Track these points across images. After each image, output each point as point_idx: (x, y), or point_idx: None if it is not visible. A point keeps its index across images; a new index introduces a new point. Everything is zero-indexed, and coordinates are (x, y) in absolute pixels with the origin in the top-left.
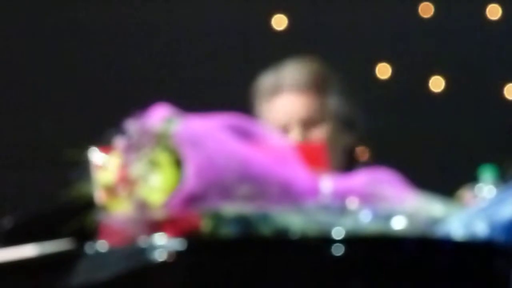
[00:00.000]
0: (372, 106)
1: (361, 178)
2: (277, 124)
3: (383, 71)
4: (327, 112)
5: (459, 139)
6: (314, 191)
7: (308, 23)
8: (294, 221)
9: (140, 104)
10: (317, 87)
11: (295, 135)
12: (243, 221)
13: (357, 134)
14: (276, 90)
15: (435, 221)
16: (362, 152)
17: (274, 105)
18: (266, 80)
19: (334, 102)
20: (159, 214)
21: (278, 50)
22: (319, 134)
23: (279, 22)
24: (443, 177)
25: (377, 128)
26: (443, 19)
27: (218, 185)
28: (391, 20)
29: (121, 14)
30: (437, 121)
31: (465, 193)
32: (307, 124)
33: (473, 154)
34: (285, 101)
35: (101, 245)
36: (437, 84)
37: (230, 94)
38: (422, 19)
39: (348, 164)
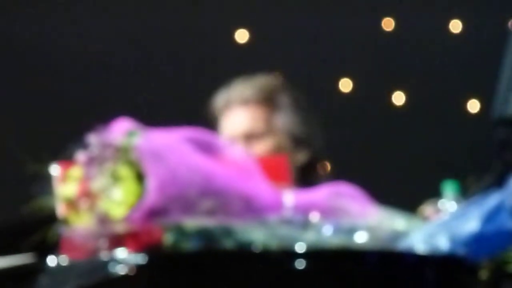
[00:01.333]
0: (333, 120)
1: (323, 192)
2: (230, 138)
3: (345, 85)
4: (275, 127)
5: (421, 154)
6: (277, 205)
7: (271, 37)
8: (257, 235)
9: (101, 117)
10: (264, 101)
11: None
12: (206, 235)
13: (313, 151)
14: (226, 105)
15: (397, 235)
16: (321, 167)
17: (224, 120)
18: (219, 96)
19: (283, 117)
20: (120, 228)
21: (240, 63)
22: (263, 148)
23: (242, 36)
24: (405, 191)
25: (338, 142)
26: (405, 33)
27: (180, 199)
28: (353, 34)
29: (81, 23)
30: (399, 135)
31: (427, 208)
32: (250, 137)
33: (436, 169)
34: (232, 115)
35: (63, 259)
36: (399, 98)
37: (193, 108)
38: (384, 33)
39: (302, 181)
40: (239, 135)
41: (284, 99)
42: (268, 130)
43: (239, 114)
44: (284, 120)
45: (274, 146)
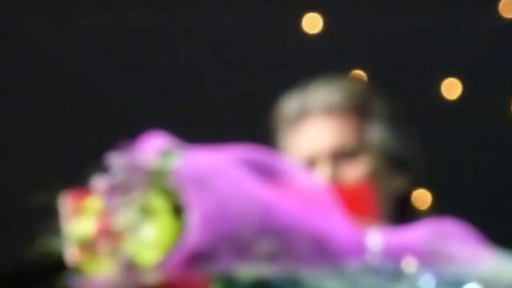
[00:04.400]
0: (436, 134)
1: (421, 232)
2: (302, 157)
3: (451, 89)
4: (368, 143)
5: None
6: (358, 249)
7: (349, 26)
8: (332, 287)
9: (128, 132)
10: (355, 111)
11: (323, 171)
12: (264, 286)
13: (411, 175)
14: (302, 115)
15: None
16: (420, 198)
17: (299, 134)
18: (291, 103)
19: (377, 132)
20: (152, 277)
21: (311, 60)
22: (357, 170)
23: (313, 23)
24: None
25: (442, 165)
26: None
27: (232, 240)
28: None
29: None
30: None
31: None
32: (340, 157)
33: None
34: (313, 127)
35: None
36: None
37: (249, 118)
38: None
39: (399, 213)
40: (323, 153)
41: (378, 108)
42: (361, 147)
43: (322, 125)
44: (380, 134)
45: (369, 168)
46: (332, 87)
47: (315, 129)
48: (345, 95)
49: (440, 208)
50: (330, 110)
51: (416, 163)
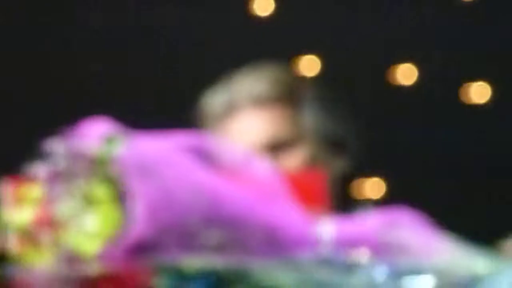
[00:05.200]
0: (387, 121)
1: (374, 222)
2: (245, 147)
3: (407, 74)
4: (303, 130)
5: (507, 164)
6: (310, 239)
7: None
8: (284, 279)
9: (69, 118)
10: (285, 99)
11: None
12: (212, 279)
13: (350, 159)
14: (229, 108)
15: (476, 280)
16: (374, 187)
17: (228, 130)
18: (216, 97)
19: (312, 118)
20: (95, 268)
21: (263, 43)
22: (295, 160)
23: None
24: (488, 220)
25: (395, 151)
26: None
27: (178, 230)
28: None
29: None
30: (479, 137)
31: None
32: (276, 148)
33: None
34: (243, 121)
35: None
36: (479, 92)
37: (191, 105)
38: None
39: (340, 199)
40: (258, 146)
41: (309, 94)
42: (296, 136)
43: (253, 118)
44: (314, 121)
45: (307, 156)
46: (258, 77)
47: (246, 124)
48: (273, 84)
49: (394, 198)
50: (259, 101)
51: (354, 147)
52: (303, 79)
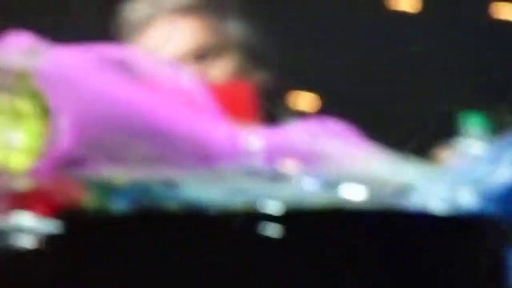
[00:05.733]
0: (313, 31)
1: (301, 131)
2: (167, 57)
3: None
4: (227, 40)
5: (434, 72)
6: (237, 150)
7: None
8: (211, 191)
9: None
10: (210, 8)
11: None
12: (140, 192)
13: (272, 70)
14: (152, 17)
15: (404, 189)
16: (305, 101)
17: (150, 39)
18: (138, 5)
19: (235, 26)
20: (22, 184)
21: None
22: (221, 69)
23: None
24: (414, 127)
25: (321, 61)
26: None
27: (104, 143)
28: None
29: None
30: (404, 45)
31: (444, 151)
32: (200, 57)
33: (454, 95)
34: (165, 30)
35: None
36: None
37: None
38: None
39: (267, 113)
40: (183, 56)
41: (232, 4)
42: (220, 46)
43: (175, 27)
44: (237, 29)
45: (231, 66)
46: None
47: (169, 31)
48: None
49: (326, 111)
50: (182, 10)
51: (276, 57)
52: None
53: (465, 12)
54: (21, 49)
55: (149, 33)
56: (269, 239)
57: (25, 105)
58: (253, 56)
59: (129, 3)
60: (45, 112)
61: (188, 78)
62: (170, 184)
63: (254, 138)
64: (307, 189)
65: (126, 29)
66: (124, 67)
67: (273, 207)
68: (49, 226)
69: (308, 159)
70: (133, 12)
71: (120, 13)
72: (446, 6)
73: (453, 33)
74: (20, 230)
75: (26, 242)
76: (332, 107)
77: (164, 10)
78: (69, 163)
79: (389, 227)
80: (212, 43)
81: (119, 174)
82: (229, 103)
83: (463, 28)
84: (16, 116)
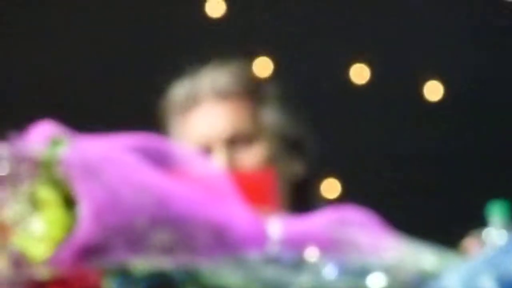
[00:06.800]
0: (339, 120)
1: (322, 220)
2: (195, 145)
3: (360, 73)
4: (263, 127)
5: (463, 163)
6: (258, 238)
7: (251, 9)
8: (232, 279)
9: (13, 122)
10: (247, 94)
11: (219, 158)
12: (161, 280)
13: (308, 160)
14: (192, 100)
15: (426, 277)
16: (329, 187)
17: (190, 120)
18: (180, 89)
19: (272, 116)
20: (43, 272)
21: (212, 45)
22: (253, 156)
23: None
24: (437, 217)
25: (347, 150)
26: None
27: (126, 231)
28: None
29: None
30: (433, 136)
31: (467, 240)
32: (235, 143)
33: (480, 185)
34: (205, 114)
35: None
36: (433, 89)
37: (141, 104)
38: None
39: (298, 200)
40: (218, 140)
41: (271, 91)
42: (256, 132)
43: (214, 111)
44: (274, 118)
45: (266, 153)
46: (222, 72)
47: (207, 116)
48: (236, 80)
49: (350, 198)
50: (222, 95)
51: (312, 147)
52: (263, 79)
53: None
54: (44, 138)
55: (191, 116)
56: None
57: (47, 194)
58: (286, 145)
59: (174, 86)
60: (67, 201)
61: (211, 167)
62: (190, 273)
63: (276, 226)
64: (328, 277)
65: (170, 111)
66: (148, 156)
67: None
68: None
69: (328, 246)
70: (176, 94)
71: (166, 96)
72: None
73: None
74: None
75: None
76: (354, 195)
77: (204, 94)
78: (89, 251)
79: None
80: (247, 129)
81: (139, 262)
82: (253, 190)
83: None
84: (38, 204)
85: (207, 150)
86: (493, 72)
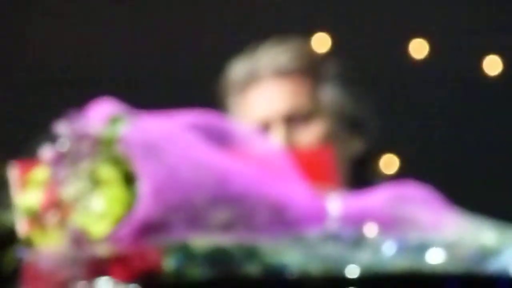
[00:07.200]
0: (401, 98)
1: (382, 197)
2: (255, 123)
3: (418, 49)
4: (322, 105)
5: None
6: (318, 215)
7: None
8: (291, 256)
9: (74, 98)
10: (306, 73)
11: (278, 136)
12: (221, 257)
13: (367, 138)
14: (251, 78)
15: (487, 254)
16: (387, 163)
17: (249, 98)
18: (240, 67)
19: (331, 94)
20: (103, 249)
21: (265, 22)
22: (312, 134)
23: None
24: (497, 193)
25: (407, 129)
26: None
27: (185, 209)
28: None
29: None
30: (491, 117)
31: None
32: (295, 120)
33: None
34: (264, 91)
35: None
36: (493, 65)
37: (200, 82)
38: None
39: (358, 177)
40: (276, 117)
41: (331, 69)
42: (315, 110)
43: (274, 89)
44: (334, 96)
45: (324, 131)
46: (282, 50)
47: (266, 93)
48: (296, 57)
49: (407, 174)
50: (281, 73)
51: (371, 125)
52: (323, 55)
53: None
54: (104, 116)
55: (250, 93)
56: None
57: (107, 172)
58: (345, 124)
59: (233, 64)
60: (128, 178)
61: (271, 144)
62: (249, 250)
63: (335, 203)
64: (387, 254)
65: (229, 89)
66: (208, 134)
67: (353, 271)
68: None
69: (388, 223)
70: (235, 72)
71: (225, 74)
72: None
73: None
74: None
75: None
76: (414, 170)
77: (264, 72)
78: (149, 228)
79: None
80: (306, 107)
81: (199, 240)
82: (312, 168)
83: None
84: (98, 182)
85: (266, 128)
86: None
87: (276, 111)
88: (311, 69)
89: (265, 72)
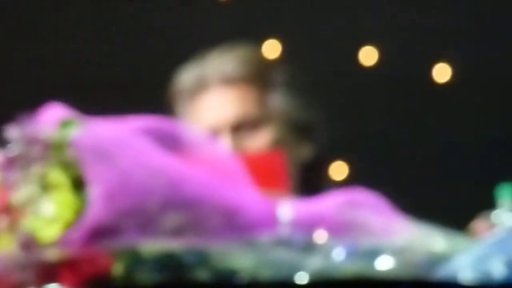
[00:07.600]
0: (349, 104)
1: (332, 202)
2: (203, 130)
3: (368, 56)
4: (270, 112)
5: (468, 148)
6: (269, 221)
7: None
8: (242, 261)
9: (25, 105)
10: (255, 79)
11: (226, 143)
12: (171, 262)
13: (319, 144)
14: (199, 86)
15: (436, 259)
16: (336, 170)
17: (197, 105)
18: (187, 74)
19: (280, 100)
20: (53, 254)
21: (218, 29)
22: (260, 141)
23: None
24: (447, 200)
25: (356, 134)
26: None
27: (137, 213)
28: None
29: None
30: (440, 123)
31: (477, 222)
32: (243, 127)
33: (489, 168)
34: (212, 98)
35: None
36: (442, 72)
37: (152, 88)
38: None
39: (307, 183)
40: (224, 125)
41: (279, 76)
42: (263, 117)
43: (221, 96)
44: (282, 102)
45: (272, 137)
46: (229, 57)
47: (214, 101)
48: (243, 65)
49: (357, 180)
50: (229, 81)
51: (321, 131)
52: (272, 62)
53: None
54: (55, 120)
55: (198, 101)
56: None
57: (57, 176)
58: (293, 129)
59: (181, 72)
60: (78, 183)
61: (222, 149)
62: (201, 255)
63: (286, 208)
64: (338, 259)
65: (177, 97)
66: (160, 138)
67: (304, 277)
68: None
69: (339, 229)
70: (183, 80)
71: (173, 81)
72: None
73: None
74: None
75: None
76: (363, 177)
77: (211, 79)
78: (100, 233)
79: None
80: (254, 114)
81: (150, 244)
82: (262, 173)
83: None
84: (48, 186)
85: (214, 135)
86: None
87: (224, 119)
88: (259, 76)
89: (213, 80)
